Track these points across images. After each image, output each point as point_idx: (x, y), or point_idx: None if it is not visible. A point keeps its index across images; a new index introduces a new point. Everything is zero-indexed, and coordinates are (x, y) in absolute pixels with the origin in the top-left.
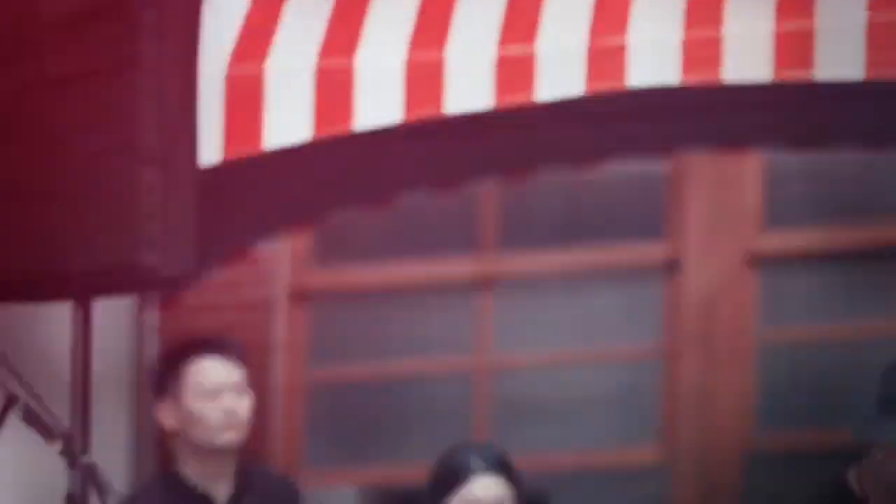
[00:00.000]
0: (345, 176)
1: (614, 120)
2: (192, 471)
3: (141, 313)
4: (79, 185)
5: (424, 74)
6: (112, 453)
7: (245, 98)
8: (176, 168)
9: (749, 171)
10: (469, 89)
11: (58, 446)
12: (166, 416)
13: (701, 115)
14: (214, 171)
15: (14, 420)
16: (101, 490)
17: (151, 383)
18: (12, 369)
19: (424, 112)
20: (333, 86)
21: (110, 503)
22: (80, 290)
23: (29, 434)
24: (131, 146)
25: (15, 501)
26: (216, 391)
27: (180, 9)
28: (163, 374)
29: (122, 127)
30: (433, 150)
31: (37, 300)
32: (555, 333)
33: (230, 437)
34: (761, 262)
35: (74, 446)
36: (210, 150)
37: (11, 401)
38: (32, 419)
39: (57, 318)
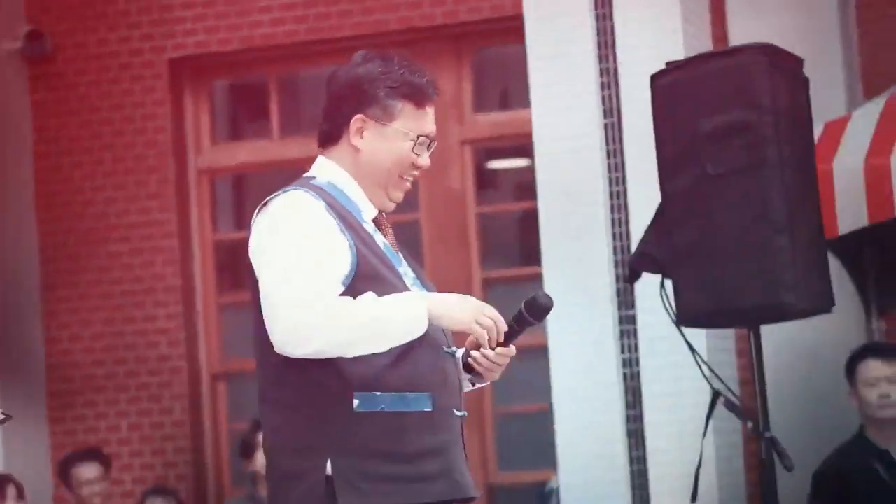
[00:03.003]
0: None
1: None
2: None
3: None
4: (734, 247)
5: None
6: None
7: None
8: (800, 234)
9: None
10: None
11: (749, 425)
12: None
13: None
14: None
15: None
16: (782, 456)
17: None
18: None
19: None
20: None
21: (788, 465)
22: (749, 320)
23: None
24: (766, 220)
25: None
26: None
27: (793, 124)
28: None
29: (759, 208)
30: None
31: (717, 327)
32: None
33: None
34: None
35: (758, 425)
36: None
37: (717, 395)
38: (731, 407)
39: None
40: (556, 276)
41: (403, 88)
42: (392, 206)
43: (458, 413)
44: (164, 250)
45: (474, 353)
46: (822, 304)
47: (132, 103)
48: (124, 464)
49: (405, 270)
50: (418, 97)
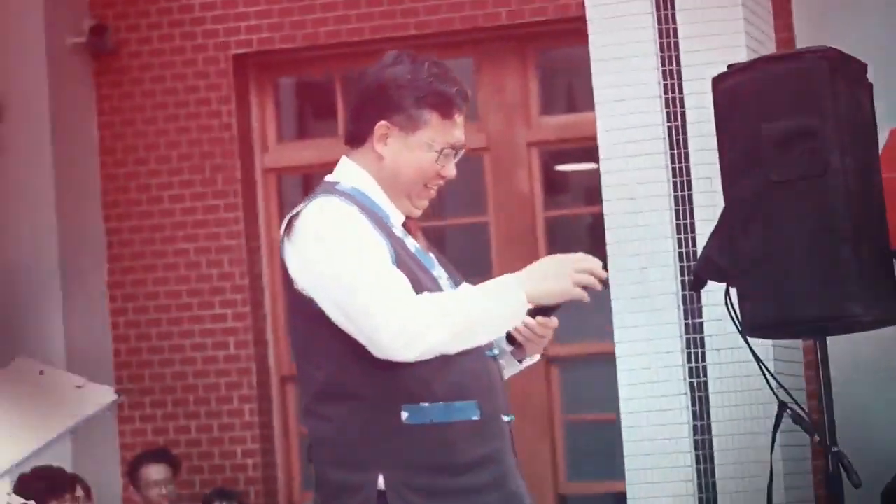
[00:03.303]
0: None
1: None
2: None
3: None
4: (799, 256)
5: None
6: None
7: None
8: (866, 243)
9: None
10: None
11: (816, 438)
12: None
13: None
14: None
15: None
16: (850, 472)
17: None
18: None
19: None
20: None
21: (855, 481)
22: (815, 331)
23: None
24: (830, 229)
25: None
26: None
27: (856, 131)
28: None
29: (822, 216)
30: None
31: (783, 337)
32: None
33: None
34: None
35: (825, 439)
36: None
37: (783, 407)
38: (797, 419)
39: None
40: (622, 282)
41: (430, 98)
42: (418, 212)
43: (505, 418)
44: (231, 249)
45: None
46: (890, 315)
47: (197, 100)
48: (193, 465)
49: (439, 273)
50: (445, 108)
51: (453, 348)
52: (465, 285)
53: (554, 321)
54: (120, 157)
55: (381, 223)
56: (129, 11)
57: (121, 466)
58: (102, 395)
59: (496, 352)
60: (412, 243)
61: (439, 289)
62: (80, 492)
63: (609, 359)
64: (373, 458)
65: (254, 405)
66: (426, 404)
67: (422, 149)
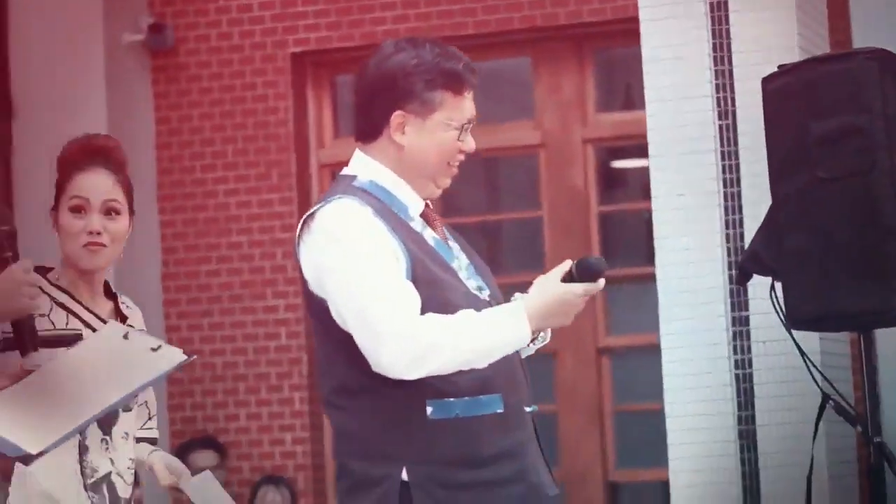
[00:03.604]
0: None
1: None
2: None
3: None
4: (844, 252)
5: None
6: None
7: None
8: None
9: None
10: None
11: (858, 428)
12: None
13: None
14: None
15: None
16: (892, 462)
17: None
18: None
19: None
20: None
21: None
22: (859, 325)
23: None
24: (877, 224)
25: None
26: None
27: None
28: None
29: (869, 212)
30: None
31: (827, 330)
32: None
33: None
34: None
35: (867, 430)
36: None
37: (826, 399)
38: (840, 411)
39: None
40: (669, 276)
41: (440, 79)
42: (439, 192)
43: (528, 409)
44: (285, 243)
45: None
46: None
47: (254, 97)
48: (242, 453)
49: (459, 263)
50: (456, 85)
51: (451, 371)
52: (469, 311)
53: None
54: (175, 151)
55: (397, 221)
56: (187, 10)
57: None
58: (175, 356)
59: None
60: (430, 235)
61: (459, 282)
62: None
63: (659, 350)
64: (396, 452)
65: (304, 394)
66: (451, 399)
67: (441, 129)
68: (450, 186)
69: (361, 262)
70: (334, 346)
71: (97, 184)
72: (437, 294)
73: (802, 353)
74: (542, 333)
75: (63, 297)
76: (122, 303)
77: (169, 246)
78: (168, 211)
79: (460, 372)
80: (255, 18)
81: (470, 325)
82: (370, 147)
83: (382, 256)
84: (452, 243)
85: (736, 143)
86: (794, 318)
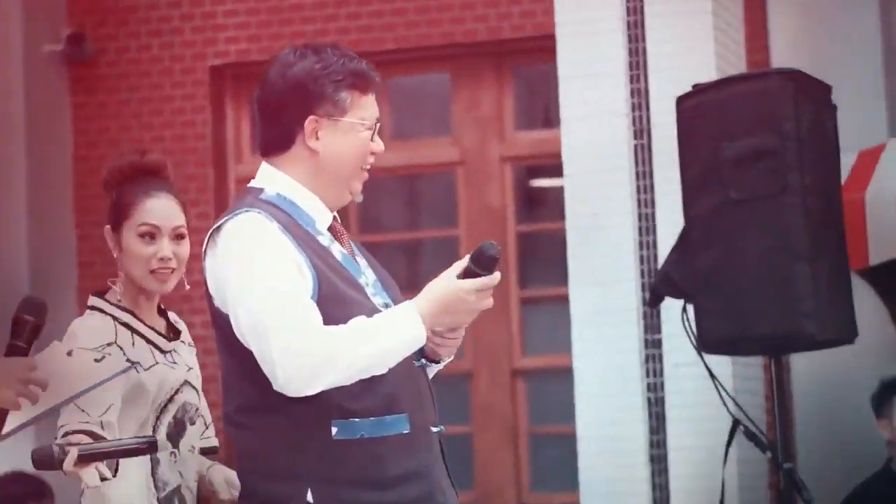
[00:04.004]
0: None
1: None
2: None
3: None
4: (756, 274)
5: None
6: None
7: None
8: (823, 263)
9: None
10: None
11: (768, 455)
12: None
13: None
14: None
15: None
16: (801, 489)
17: None
18: (734, 401)
19: None
20: None
21: (806, 497)
22: (770, 349)
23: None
24: (787, 247)
25: None
26: None
27: (818, 151)
28: None
29: (780, 235)
30: None
31: (738, 354)
32: None
33: None
34: None
35: (777, 456)
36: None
37: (736, 424)
38: (751, 436)
39: None
40: (582, 297)
41: (348, 79)
42: (349, 199)
43: (434, 429)
44: (201, 258)
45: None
46: (845, 334)
47: (172, 109)
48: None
49: (366, 279)
50: (363, 84)
51: (352, 381)
52: (361, 318)
53: (460, 330)
54: (94, 164)
55: (304, 235)
56: (107, 20)
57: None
58: (117, 366)
59: (423, 361)
60: (338, 249)
61: (366, 298)
62: (48, 495)
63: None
64: (301, 472)
65: (219, 412)
66: (356, 420)
67: (354, 130)
68: (367, 203)
69: (262, 278)
70: (237, 363)
71: (167, 211)
72: (343, 311)
73: (713, 377)
74: (446, 355)
75: (126, 317)
76: (173, 319)
77: (86, 260)
78: (85, 224)
79: (365, 392)
80: (175, 30)
81: (364, 332)
82: (279, 159)
83: (285, 272)
84: (360, 258)
85: (651, 163)
86: (706, 342)
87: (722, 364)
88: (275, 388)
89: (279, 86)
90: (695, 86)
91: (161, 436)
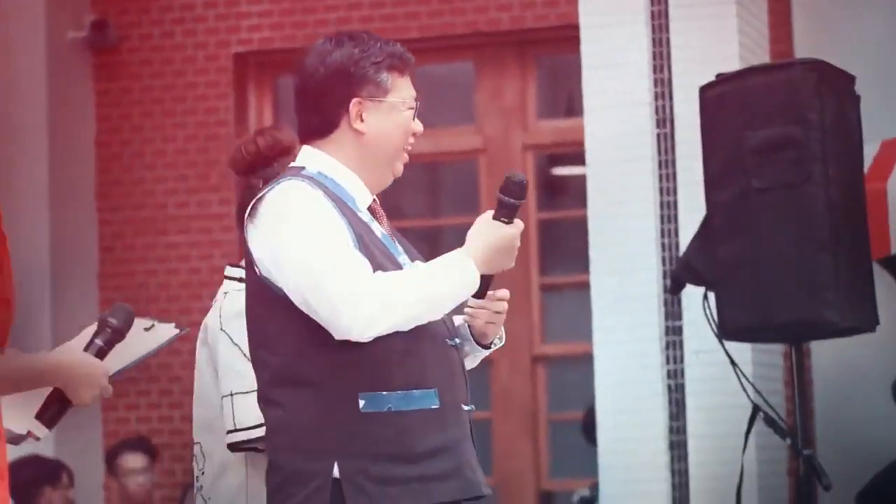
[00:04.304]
0: None
1: None
2: None
3: None
4: (777, 263)
5: None
6: None
7: None
8: (845, 252)
9: None
10: None
11: (788, 441)
12: None
13: None
14: None
15: None
16: (820, 475)
17: None
18: (755, 388)
19: None
20: None
21: (825, 483)
22: (790, 336)
23: None
24: (810, 237)
25: None
26: None
27: (841, 141)
28: None
29: (803, 224)
30: None
31: (759, 342)
32: None
33: None
34: None
35: (797, 442)
36: None
37: (756, 410)
38: (770, 423)
39: None
40: (603, 284)
41: (387, 60)
42: (391, 180)
43: (465, 407)
44: (223, 244)
45: (470, 306)
46: (866, 323)
47: (195, 96)
48: (176, 454)
49: (404, 259)
50: (401, 65)
51: (409, 325)
52: (417, 263)
53: (503, 292)
54: (115, 150)
55: (346, 208)
56: (130, 8)
57: (103, 455)
58: (168, 331)
59: (458, 341)
60: (378, 228)
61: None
62: (64, 478)
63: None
64: (328, 446)
65: None
66: (384, 392)
67: (397, 110)
68: (390, 190)
69: (311, 237)
70: (272, 335)
71: None
72: None
73: (734, 364)
74: (498, 336)
75: None
76: None
77: (107, 245)
78: (106, 210)
79: (395, 365)
80: (199, 17)
81: (419, 276)
82: (322, 143)
83: (332, 230)
84: (397, 242)
85: (674, 152)
86: (727, 329)
87: (742, 351)
88: (336, 336)
89: (320, 73)
90: (718, 75)
91: None
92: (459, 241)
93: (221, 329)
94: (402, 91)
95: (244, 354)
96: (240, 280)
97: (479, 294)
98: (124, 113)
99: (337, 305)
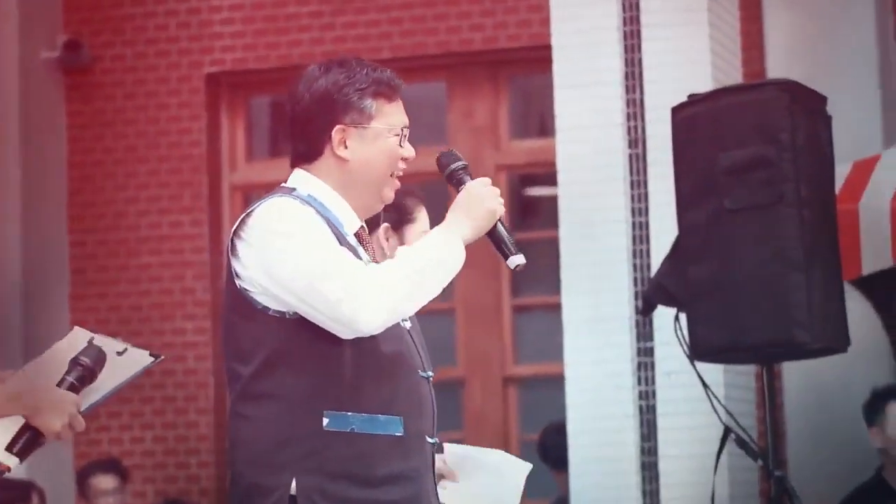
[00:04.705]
0: None
1: None
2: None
3: None
4: (749, 283)
5: None
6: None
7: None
8: (817, 273)
9: None
10: None
11: (759, 462)
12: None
13: None
14: None
15: None
16: (792, 496)
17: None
18: (726, 409)
19: None
20: None
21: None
22: (761, 357)
23: None
24: (781, 257)
25: None
26: None
27: (813, 162)
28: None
29: (774, 245)
30: None
31: (730, 363)
32: None
33: None
34: None
35: (768, 464)
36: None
37: (727, 432)
38: (742, 444)
39: None
40: (575, 305)
41: (373, 87)
42: (380, 207)
43: (430, 440)
44: (195, 265)
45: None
46: (837, 343)
47: (168, 117)
48: (147, 476)
49: None
50: (388, 91)
51: (409, 306)
52: (401, 249)
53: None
54: (88, 171)
55: (334, 229)
56: (103, 28)
57: (74, 476)
58: (142, 359)
59: (431, 373)
60: (364, 254)
61: None
62: (35, 500)
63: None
64: (288, 462)
65: (210, 418)
66: (349, 413)
67: (382, 137)
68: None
69: (305, 244)
70: (245, 348)
71: None
72: None
73: (705, 385)
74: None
75: None
76: None
77: (78, 266)
78: (78, 231)
79: (364, 388)
80: (172, 38)
81: (410, 259)
82: (311, 167)
83: (324, 237)
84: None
85: (646, 173)
86: (698, 350)
87: (713, 372)
88: (343, 333)
89: (305, 99)
90: (690, 96)
91: None
92: None
93: None
94: (390, 117)
95: None
96: None
97: (502, 253)
98: (97, 134)
99: (339, 302)
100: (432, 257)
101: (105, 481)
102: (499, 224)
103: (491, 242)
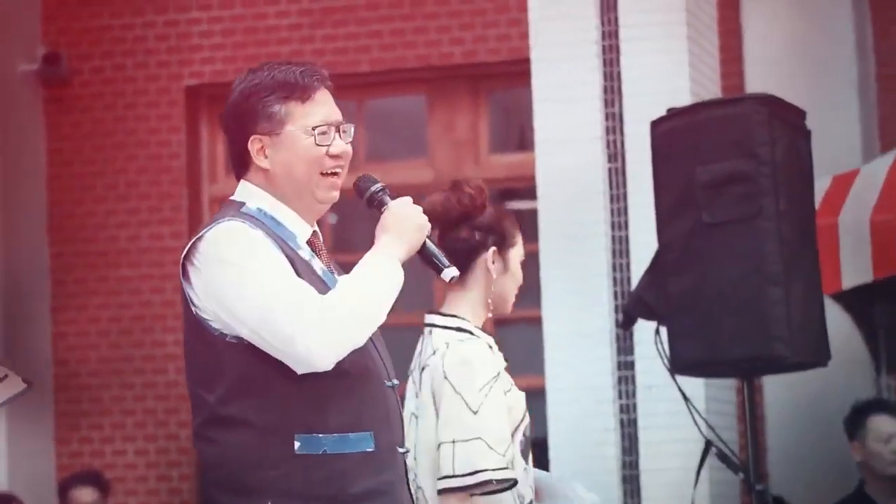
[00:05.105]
0: None
1: None
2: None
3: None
4: (728, 297)
5: None
6: None
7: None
8: (796, 287)
9: None
10: None
11: (740, 475)
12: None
13: None
14: None
15: None
16: None
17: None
18: (707, 423)
19: None
20: None
21: None
22: (742, 371)
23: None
24: (761, 271)
25: None
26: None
27: (792, 176)
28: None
29: (754, 259)
30: None
31: (711, 376)
32: None
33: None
34: None
35: (749, 477)
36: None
37: (708, 445)
38: (723, 458)
39: None
40: (555, 319)
41: (278, 91)
42: (324, 207)
43: (401, 450)
44: (175, 277)
45: None
46: (817, 357)
47: (147, 129)
48: (129, 488)
49: None
50: (298, 92)
51: (363, 330)
52: (341, 279)
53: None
54: (66, 183)
55: (286, 247)
56: (82, 40)
57: (55, 489)
58: (15, 386)
59: (395, 382)
60: (318, 264)
61: None
62: None
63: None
64: (262, 486)
65: (190, 431)
66: (320, 435)
67: (296, 140)
68: (341, 223)
69: (258, 269)
70: (209, 375)
71: None
72: None
73: (686, 399)
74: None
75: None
76: None
77: (58, 279)
78: (58, 243)
79: (331, 407)
80: (151, 50)
81: (355, 286)
82: (249, 178)
83: (278, 261)
84: (336, 276)
85: (625, 186)
86: (679, 364)
87: (695, 386)
88: (298, 368)
89: (226, 112)
90: (669, 110)
91: (517, 452)
92: (410, 276)
93: (445, 378)
94: (304, 118)
95: (467, 404)
96: (457, 330)
97: (435, 268)
98: (75, 146)
99: (292, 336)
100: (378, 284)
101: (86, 494)
102: (427, 240)
103: (421, 259)
